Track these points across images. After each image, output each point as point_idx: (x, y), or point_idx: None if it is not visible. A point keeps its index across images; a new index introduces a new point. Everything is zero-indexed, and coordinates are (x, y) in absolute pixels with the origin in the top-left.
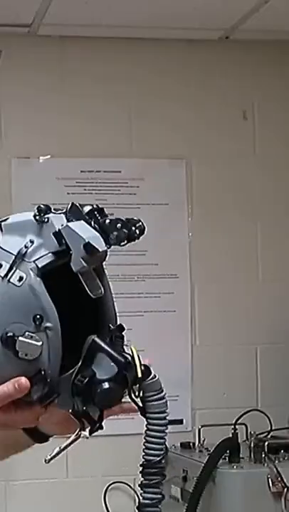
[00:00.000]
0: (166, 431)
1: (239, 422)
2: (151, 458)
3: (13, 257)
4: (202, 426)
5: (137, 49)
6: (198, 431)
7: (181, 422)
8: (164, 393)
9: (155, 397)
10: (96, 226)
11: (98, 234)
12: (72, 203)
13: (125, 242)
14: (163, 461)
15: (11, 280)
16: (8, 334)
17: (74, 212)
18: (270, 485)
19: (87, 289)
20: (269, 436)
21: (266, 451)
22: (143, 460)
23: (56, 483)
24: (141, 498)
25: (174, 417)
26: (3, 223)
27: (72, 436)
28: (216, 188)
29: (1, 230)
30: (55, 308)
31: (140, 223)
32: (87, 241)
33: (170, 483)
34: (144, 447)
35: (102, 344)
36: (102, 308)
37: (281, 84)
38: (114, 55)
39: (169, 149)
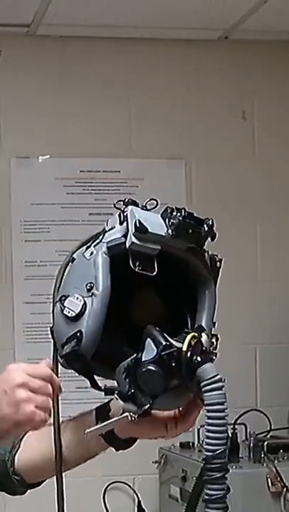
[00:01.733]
0: (225, 422)
1: (238, 421)
2: (211, 450)
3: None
4: (201, 426)
5: (137, 49)
6: (197, 431)
7: None
8: (220, 382)
9: (211, 386)
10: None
11: (158, 219)
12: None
13: (188, 233)
14: (225, 455)
15: (84, 254)
16: (64, 294)
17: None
18: (270, 485)
19: (131, 263)
20: (268, 436)
21: (265, 451)
22: (205, 455)
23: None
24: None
25: None
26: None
27: (117, 417)
28: (215, 188)
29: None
30: (110, 283)
31: (209, 221)
32: (138, 219)
33: (169, 483)
34: (205, 441)
35: (153, 331)
36: (196, 310)
37: (281, 84)
38: (113, 55)
39: (168, 149)
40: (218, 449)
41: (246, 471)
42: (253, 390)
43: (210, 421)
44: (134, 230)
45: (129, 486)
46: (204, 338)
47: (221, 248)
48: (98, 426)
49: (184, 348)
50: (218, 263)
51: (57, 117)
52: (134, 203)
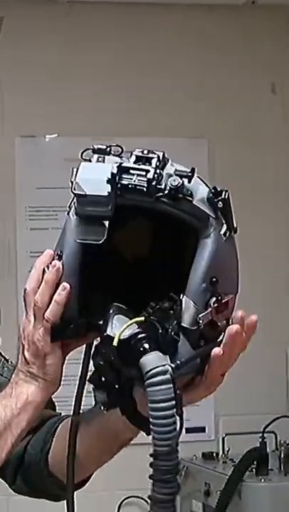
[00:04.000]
0: (171, 420)
1: (267, 429)
2: (158, 449)
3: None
4: (226, 434)
5: (155, 15)
6: (222, 440)
7: (203, 429)
8: (163, 374)
9: (152, 380)
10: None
11: (103, 177)
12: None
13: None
14: (173, 456)
15: (69, 214)
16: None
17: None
18: None
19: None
20: None
21: None
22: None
23: None
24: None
25: (194, 425)
26: None
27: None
28: (242, 170)
29: None
30: (76, 248)
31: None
32: (76, 181)
33: (191, 497)
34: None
35: (108, 311)
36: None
37: None
38: (127, 23)
39: (189, 127)
40: (162, 450)
41: (276, 485)
42: (283, 395)
43: (153, 421)
44: (72, 195)
45: (146, 501)
46: (183, 308)
47: (249, 237)
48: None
49: (115, 342)
50: (222, 196)
51: (65, 92)
52: (100, 151)
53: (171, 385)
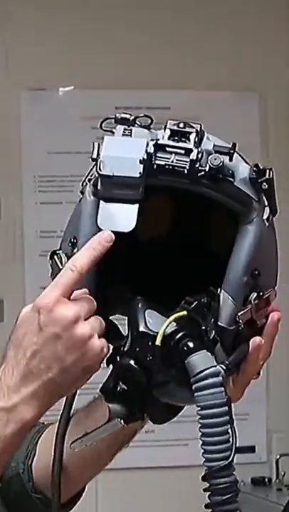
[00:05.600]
0: (225, 428)
1: None
2: (210, 467)
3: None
4: (281, 455)
5: None
6: (275, 462)
7: (252, 449)
8: (215, 377)
9: (201, 383)
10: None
11: (134, 155)
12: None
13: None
14: (230, 471)
15: (84, 192)
16: (55, 250)
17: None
18: None
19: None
20: None
21: None
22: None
23: None
24: None
25: (242, 443)
26: None
27: (107, 423)
28: None
29: None
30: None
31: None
32: (101, 160)
33: None
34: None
35: (136, 305)
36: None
37: None
38: None
39: (236, 78)
40: (217, 465)
41: None
42: None
43: (204, 430)
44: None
45: None
46: (220, 305)
47: None
48: (85, 438)
49: (158, 342)
50: (266, 176)
51: (82, 36)
52: (126, 121)
53: (223, 389)
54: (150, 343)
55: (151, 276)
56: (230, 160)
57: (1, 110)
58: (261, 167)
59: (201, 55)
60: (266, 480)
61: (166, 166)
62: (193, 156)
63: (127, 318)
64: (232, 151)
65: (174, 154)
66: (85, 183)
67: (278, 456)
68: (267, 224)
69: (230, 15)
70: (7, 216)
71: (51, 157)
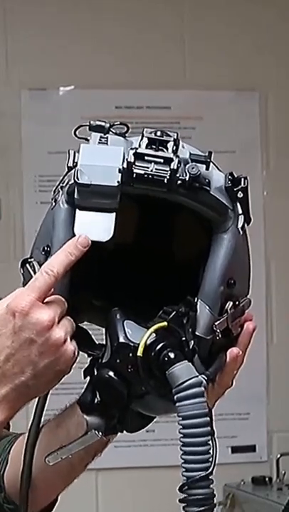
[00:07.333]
0: (206, 439)
1: None
2: (188, 476)
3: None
4: (281, 455)
5: None
6: (276, 461)
7: (253, 449)
8: (196, 387)
9: (183, 393)
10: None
11: (112, 164)
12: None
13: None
14: (208, 483)
15: (57, 200)
16: (26, 258)
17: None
18: None
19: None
20: None
21: None
22: (182, 482)
23: None
24: None
25: (242, 443)
26: None
27: (84, 436)
28: None
29: None
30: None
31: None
32: (78, 168)
33: None
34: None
35: (114, 317)
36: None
37: None
38: None
39: (237, 77)
40: (196, 475)
41: None
42: None
43: (185, 439)
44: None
45: None
46: (198, 315)
47: None
48: (61, 450)
49: (139, 352)
50: (241, 185)
51: (83, 36)
52: (99, 128)
53: (205, 399)
54: (131, 355)
55: (118, 283)
56: (207, 169)
57: (1, 110)
58: (236, 175)
59: (201, 54)
60: (267, 479)
61: (146, 175)
62: (174, 165)
63: (104, 328)
64: (208, 160)
65: (153, 163)
66: (57, 191)
67: (279, 456)
68: (241, 232)
69: (231, 15)
70: (7, 216)
71: (51, 157)
